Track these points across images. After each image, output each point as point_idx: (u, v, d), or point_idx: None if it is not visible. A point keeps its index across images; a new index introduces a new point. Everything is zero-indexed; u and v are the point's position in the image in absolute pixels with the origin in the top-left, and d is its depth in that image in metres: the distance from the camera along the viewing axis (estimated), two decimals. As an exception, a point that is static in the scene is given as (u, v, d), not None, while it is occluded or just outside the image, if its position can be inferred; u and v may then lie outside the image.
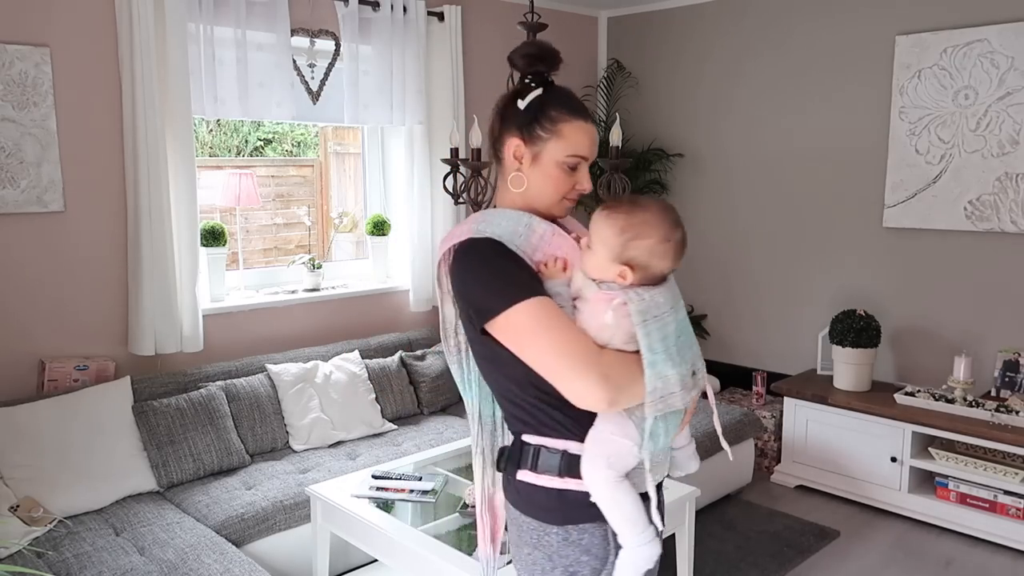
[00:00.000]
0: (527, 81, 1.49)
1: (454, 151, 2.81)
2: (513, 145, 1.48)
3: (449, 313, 1.54)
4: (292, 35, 3.63)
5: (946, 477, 3.53)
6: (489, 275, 1.37)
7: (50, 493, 2.75)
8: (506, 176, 1.51)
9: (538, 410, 1.41)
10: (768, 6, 4.42)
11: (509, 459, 1.48)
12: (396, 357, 3.87)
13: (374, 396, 3.66)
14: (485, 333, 1.39)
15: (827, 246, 4.33)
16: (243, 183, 3.79)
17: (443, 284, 1.52)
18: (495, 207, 1.53)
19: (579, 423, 1.38)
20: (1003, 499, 3.37)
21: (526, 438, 1.44)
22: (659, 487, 1.47)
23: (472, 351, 1.50)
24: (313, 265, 3.98)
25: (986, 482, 3.40)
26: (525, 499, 1.44)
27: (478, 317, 1.38)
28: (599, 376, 1.29)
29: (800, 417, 3.98)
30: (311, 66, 3.77)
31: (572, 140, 1.45)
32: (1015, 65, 3.57)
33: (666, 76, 4.93)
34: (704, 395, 1.52)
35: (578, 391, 1.30)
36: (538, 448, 1.42)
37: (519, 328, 1.33)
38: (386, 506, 2.67)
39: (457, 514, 2.59)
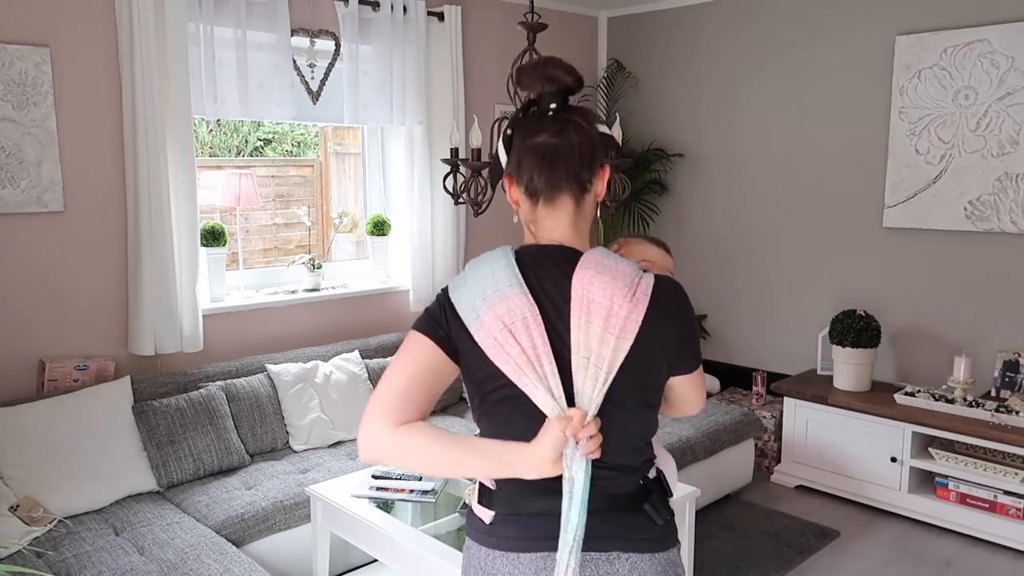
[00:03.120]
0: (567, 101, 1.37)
1: (454, 151, 2.81)
2: (607, 172, 1.39)
3: None
4: (292, 35, 3.63)
5: (946, 477, 3.53)
6: None
7: (50, 493, 2.75)
8: (589, 210, 1.38)
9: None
10: (768, 6, 4.42)
11: (656, 494, 1.37)
12: (396, 357, 3.87)
13: (374, 396, 3.65)
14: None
15: (827, 246, 4.33)
16: (243, 183, 3.79)
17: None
18: (570, 246, 1.35)
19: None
20: (1003, 499, 3.37)
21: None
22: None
23: None
24: (313, 265, 3.98)
25: (986, 482, 3.40)
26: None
27: None
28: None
29: (800, 417, 3.98)
30: (311, 66, 3.77)
31: None
32: (1015, 65, 3.57)
33: (666, 76, 4.93)
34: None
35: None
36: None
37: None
38: (386, 506, 2.67)
39: (457, 514, 2.59)
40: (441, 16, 4.14)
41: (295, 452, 3.36)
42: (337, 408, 3.50)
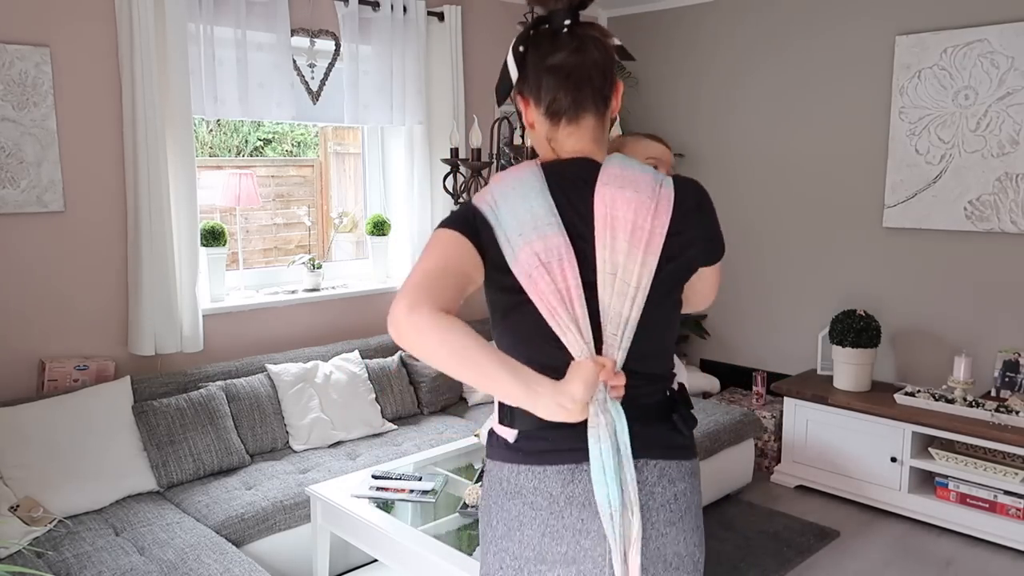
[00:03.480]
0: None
1: (454, 151, 2.81)
2: (621, 88, 1.40)
3: None
4: (292, 35, 3.63)
5: (946, 477, 3.53)
6: None
7: (50, 493, 2.75)
8: (607, 126, 1.39)
9: None
10: (768, 6, 4.42)
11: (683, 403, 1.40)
12: (396, 357, 3.87)
13: (374, 396, 3.66)
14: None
15: (827, 246, 4.33)
16: (243, 183, 3.79)
17: None
18: (591, 157, 1.35)
19: None
20: (1003, 499, 3.37)
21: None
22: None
23: None
24: (313, 265, 3.98)
25: (986, 482, 3.40)
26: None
27: None
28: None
29: (800, 417, 3.98)
30: (311, 66, 3.77)
31: None
32: (1015, 65, 3.57)
33: (666, 76, 4.93)
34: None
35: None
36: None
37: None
38: (386, 506, 2.67)
39: (457, 514, 2.59)
40: (441, 16, 4.14)
41: (295, 452, 3.36)
42: (337, 408, 3.50)
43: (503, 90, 1.40)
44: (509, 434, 1.34)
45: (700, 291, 1.45)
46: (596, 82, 1.31)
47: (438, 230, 1.29)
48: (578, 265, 1.26)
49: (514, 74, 1.35)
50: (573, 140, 1.34)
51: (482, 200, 1.31)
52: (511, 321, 1.33)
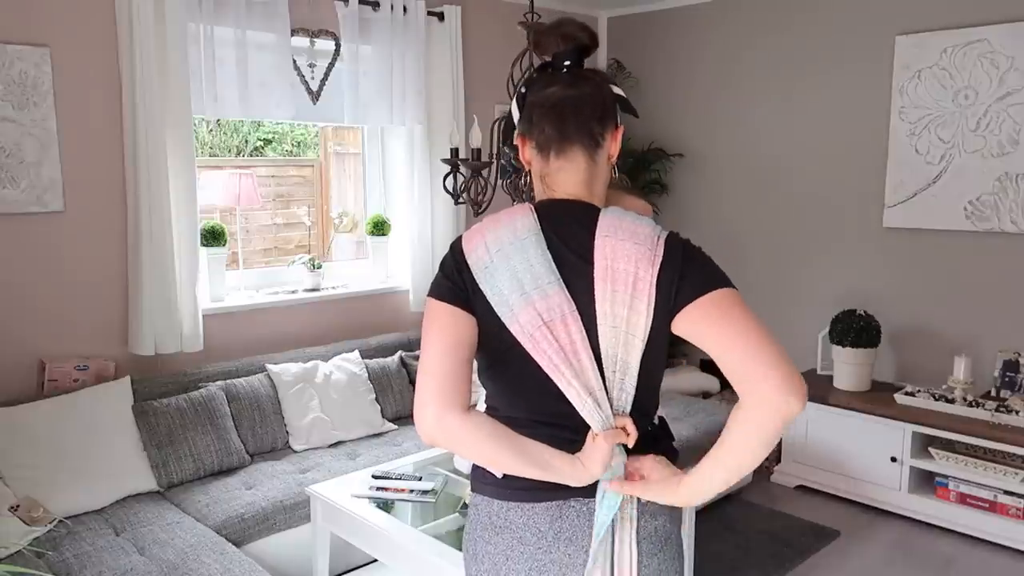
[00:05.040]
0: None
1: (454, 151, 2.81)
2: (620, 133, 1.38)
3: None
4: (292, 35, 3.63)
5: (946, 477, 3.53)
6: None
7: (50, 493, 2.75)
8: (604, 170, 1.37)
9: None
10: (768, 7, 4.43)
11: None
12: (396, 357, 3.87)
13: (374, 396, 3.66)
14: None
15: (827, 246, 4.33)
16: (243, 183, 3.79)
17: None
18: (586, 201, 1.34)
19: None
20: (1003, 499, 3.37)
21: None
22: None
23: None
24: (313, 265, 3.98)
25: (986, 482, 3.40)
26: None
27: None
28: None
29: (800, 417, 3.96)
30: (311, 66, 3.77)
31: None
32: (1015, 65, 3.57)
33: (666, 76, 4.93)
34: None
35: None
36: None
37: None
38: (386, 506, 2.67)
39: (457, 514, 2.59)
40: (441, 16, 4.14)
41: (295, 452, 3.36)
42: (337, 408, 3.50)
43: (506, 132, 1.41)
44: (497, 470, 1.34)
45: (729, 359, 1.29)
46: (583, 116, 1.31)
47: (432, 303, 1.29)
48: (580, 317, 1.25)
49: (515, 115, 1.37)
50: (564, 176, 1.33)
51: (473, 248, 1.30)
52: (500, 370, 1.33)
